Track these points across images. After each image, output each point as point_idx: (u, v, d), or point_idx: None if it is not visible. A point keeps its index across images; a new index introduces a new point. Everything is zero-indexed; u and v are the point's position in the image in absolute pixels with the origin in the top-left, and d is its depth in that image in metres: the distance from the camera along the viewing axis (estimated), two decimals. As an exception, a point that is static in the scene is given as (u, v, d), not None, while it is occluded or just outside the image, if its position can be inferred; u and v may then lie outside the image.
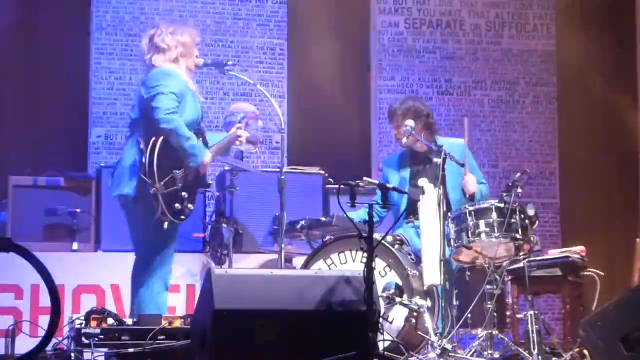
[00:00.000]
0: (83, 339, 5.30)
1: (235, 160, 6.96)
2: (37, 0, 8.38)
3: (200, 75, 7.87)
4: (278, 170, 6.36)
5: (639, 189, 9.07)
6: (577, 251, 6.80)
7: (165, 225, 5.83)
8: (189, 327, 5.32)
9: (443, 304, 6.08)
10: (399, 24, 9.00)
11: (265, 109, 7.93)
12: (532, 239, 6.05)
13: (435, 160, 6.26)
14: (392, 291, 6.00)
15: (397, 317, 6.00)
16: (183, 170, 5.88)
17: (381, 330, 5.08)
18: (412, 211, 6.43)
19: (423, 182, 6.19)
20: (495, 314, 6.02)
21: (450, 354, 5.72)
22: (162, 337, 5.28)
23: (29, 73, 8.33)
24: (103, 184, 7.35)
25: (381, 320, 5.14)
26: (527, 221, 6.04)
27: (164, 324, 5.36)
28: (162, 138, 5.81)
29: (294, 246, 7.01)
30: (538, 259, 6.69)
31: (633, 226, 8.68)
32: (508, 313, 6.46)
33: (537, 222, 6.14)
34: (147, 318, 5.45)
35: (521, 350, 5.92)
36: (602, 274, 6.62)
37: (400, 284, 6.05)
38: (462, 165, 6.36)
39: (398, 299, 5.97)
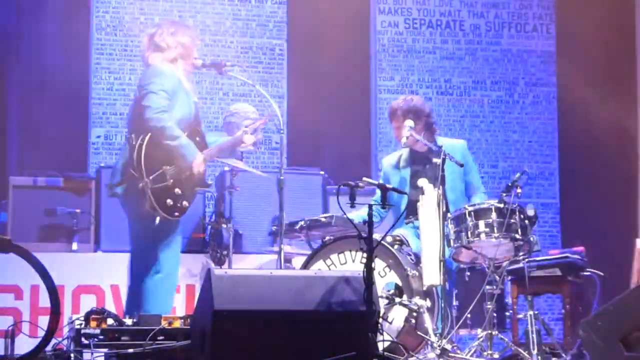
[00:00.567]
0: (82, 339, 5.30)
1: (234, 160, 6.97)
2: (37, 1, 8.38)
3: (200, 76, 7.88)
4: (277, 170, 6.36)
5: (638, 189, 9.06)
6: (576, 251, 6.80)
7: (157, 220, 5.85)
8: (189, 327, 5.32)
9: (442, 304, 6.08)
10: (398, 24, 9.00)
11: (265, 109, 7.92)
12: (531, 239, 6.05)
13: (434, 160, 6.26)
14: (392, 291, 6.00)
15: (396, 317, 6.00)
16: (175, 166, 5.89)
17: (380, 331, 5.08)
18: (412, 211, 6.43)
19: (422, 182, 6.19)
20: (495, 314, 6.02)
21: (450, 354, 5.72)
22: (162, 338, 5.28)
23: (28, 73, 8.33)
24: (102, 185, 7.35)
25: (380, 320, 5.14)
26: (526, 221, 6.04)
27: (164, 324, 5.36)
28: (149, 134, 5.85)
29: (293, 246, 7.01)
30: (537, 259, 6.69)
31: (632, 226, 8.69)
32: (507, 313, 6.45)
33: (537, 222, 6.14)
34: (146, 318, 5.45)
35: (521, 350, 5.92)
36: (602, 274, 6.63)
37: (400, 284, 6.05)
38: (461, 166, 6.36)
39: (397, 299, 5.97)
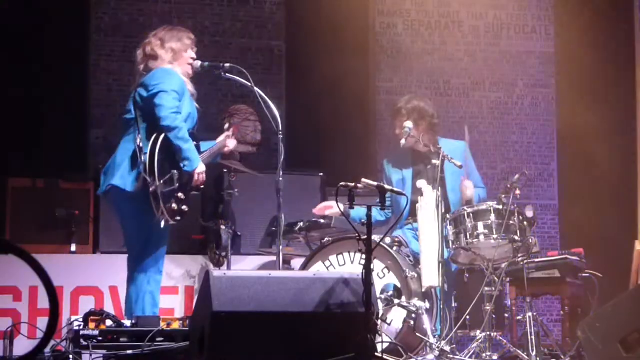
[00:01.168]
0: (81, 340, 5.31)
1: (233, 162, 6.97)
2: (37, 2, 8.38)
3: (199, 77, 7.84)
4: (276, 171, 6.35)
5: (637, 191, 9.06)
6: (575, 253, 6.80)
7: (162, 224, 5.84)
8: (187, 328, 5.32)
9: (441, 306, 6.08)
10: (397, 25, 9.00)
11: (264, 111, 7.91)
12: (530, 240, 6.05)
13: (433, 161, 6.26)
14: (391, 293, 6.00)
15: (395, 318, 6.00)
16: (179, 170, 5.89)
17: (379, 332, 5.09)
18: (411, 213, 6.43)
19: (421, 183, 6.19)
20: (494, 316, 6.02)
21: (449, 356, 5.73)
22: (161, 339, 5.29)
23: (28, 74, 8.32)
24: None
25: (379, 321, 5.15)
26: (525, 223, 6.05)
27: (163, 325, 5.36)
28: (162, 136, 5.83)
29: (292, 248, 7.01)
30: (536, 260, 6.70)
31: (631, 227, 8.68)
32: (506, 315, 6.46)
33: (536, 224, 6.15)
34: (145, 320, 5.45)
35: (519, 351, 5.93)
36: (601, 275, 6.63)
37: (399, 285, 6.06)
38: (460, 167, 6.36)
39: (396, 301, 5.98)
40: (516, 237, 5.98)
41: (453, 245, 6.07)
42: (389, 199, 6.28)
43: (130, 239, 6.04)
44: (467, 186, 6.51)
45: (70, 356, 5.35)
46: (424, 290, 6.01)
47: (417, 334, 5.90)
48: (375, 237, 5.13)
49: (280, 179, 6.10)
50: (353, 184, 5.16)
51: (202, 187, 6.11)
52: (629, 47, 9.28)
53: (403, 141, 6.53)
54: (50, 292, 5.06)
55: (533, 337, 5.97)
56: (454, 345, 5.94)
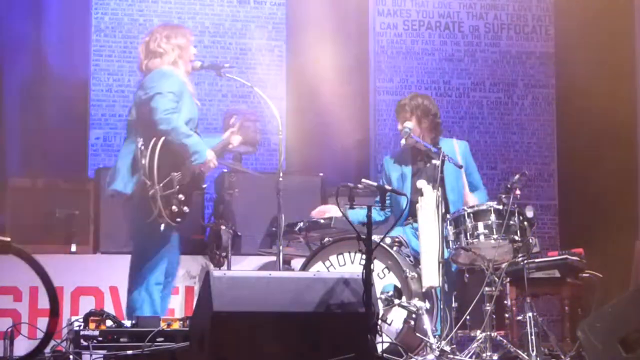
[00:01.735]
0: (81, 340, 5.31)
1: (233, 162, 6.97)
2: (36, 3, 8.38)
3: (199, 77, 7.87)
4: (276, 171, 6.36)
5: (637, 191, 9.07)
6: (575, 253, 6.80)
7: (162, 227, 5.84)
8: (188, 329, 5.32)
9: (441, 306, 6.08)
10: (397, 26, 9.00)
11: (264, 111, 7.92)
12: (530, 240, 6.05)
13: (433, 162, 6.26)
14: (391, 293, 6.00)
15: (395, 318, 6.00)
16: (180, 172, 5.89)
17: (380, 332, 5.08)
18: (411, 213, 6.43)
19: (421, 183, 6.19)
20: (494, 316, 6.02)
21: (449, 356, 5.73)
22: (161, 339, 5.29)
23: (27, 75, 8.32)
24: (102, 186, 7.34)
25: (380, 322, 5.15)
26: (525, 223, 6.04)
27: (163, 325, 5.36)
28: (162, 139, 5.83)
29: (292, 248, 7.01)
30: (536, 260, 6.70)
31: (631, 227, 8.68)
32: (506, 315, 6.46)
33: (536, 224, 6.14)
34: (145, 320, 5.45)
35: (520, 352, 5.92)
36: (601, 275, 6.63)
37: (399, 285, 6.06)
38: (460, 167, 6.36)
39: (397, 301, 5.97)
40: (516, 237, 5.97)
41: (453, 245, 6.07)
42: (389, 198, 6.28)
43: (131, 241, 6.08)
44: (467, 202, 6.53)
45: (71, 356, 5.35)
46: (424, 290, 6.01)
47: (418, 334, 5.90)
48: (375, 237, 5.13)
49: (280, 179, 6.10)
50: (353, 184, 5.16)
51: (205, 186, 6.12)
52: (630, 47, 9.29)
53: (403, 141, 6.54)
54: (50, 293, 5.07)
55: (533, 337, 5.96)
56: (454, 346, 5.94)
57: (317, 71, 8.70)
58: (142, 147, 5.82)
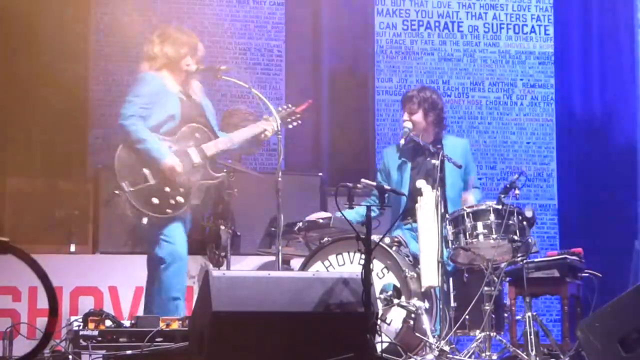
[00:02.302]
0: (81, 340, 5.31)
1: (232, 162, 6.96)
2: (36, 2, 8.37)
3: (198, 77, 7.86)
4: (275, 171, 6.35)
5: (636, 191, 9.06)
6: (574, 252, 6.80)
7: (144, 220, 5.89)
8: (187, 329, 5.32)
9: (441, 306, 6.08)
10: (396, 26, 9.00)
11: (263, 111, 7.92)
12: (529, 240, 6.05)
13: (433, 161, 6.26)
14: (390, 292, 6.00)
15: (394, 318, 6.00)
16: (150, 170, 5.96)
17: (379, 332, 5.08)
18: (410, 212, 6.43)
19: (420, 183, 6.19)
20: (493, 316, 6.02)
21: (448, 356, 5.73)
22: (160, 339, 5.28)
23: (27, 74, 8.31)
24: (101, 186, 7.34)
25: (379, 321, 5.14)
26: (524, 223, 6.04)
27: (162, 325, 5.36)
28: (126, 140, 6.00)
29: (291, 248, 7.00)
30: (536, 260, 6.70)
31: (630, 227, 8.68)
32: (506, 314, 6.46)
33: (535, 224, 6.15)
34: (144, 320, 5.45)
35: (519, 351, 5.93)
36: (600, 275, 6.63)
37: (398, 285, 6.06)
38: (460, 167, 6.36)
39: (396, 301, 5.97)
40: (515, 237, 5.97)
41: (452, 245, 6.07)
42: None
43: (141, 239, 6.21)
44: (466, 199, 6.52)
45: (70, 356, 5.35)
46: (423, 290, 6.01)
47: (417, 334, 5.90)
48: (375, 237, 5.13)
49: (280, 179, 6.10)
50: (352, 184, 5.16)
51: (219, 175, 6.13)
52: (629, 47, 9.28)
53: (402, 141, 6.53)
54: (49, 293, 5.06)
55: (532, 337, 5.97)
56: (454, 345, 5.95)
57: (316, 71, 8.70)
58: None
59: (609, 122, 9.11)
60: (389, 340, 5.73)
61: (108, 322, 5.39)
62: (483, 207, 6.07)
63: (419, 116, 6.65)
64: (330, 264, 6.25)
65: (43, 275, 5.08)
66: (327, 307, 4.85)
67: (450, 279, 6.30)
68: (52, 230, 7.33)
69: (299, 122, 6.45)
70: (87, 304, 6.91)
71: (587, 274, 6.70)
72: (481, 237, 5.99)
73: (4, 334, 5.66)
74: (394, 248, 6.20)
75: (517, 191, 6.02)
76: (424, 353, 5.86)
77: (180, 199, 5.94)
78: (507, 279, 6.53)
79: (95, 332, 5.32)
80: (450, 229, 6.08)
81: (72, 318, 5.56)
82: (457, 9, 9.10)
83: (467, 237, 6.00)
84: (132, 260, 6.99)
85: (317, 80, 8.69)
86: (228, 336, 4.68)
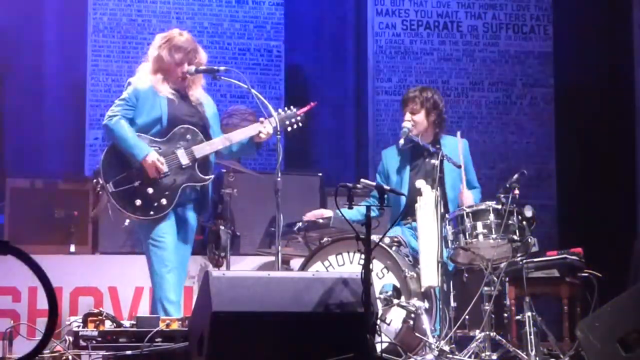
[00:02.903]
0: (80, 341, 5.30)
1: (232, 162, 6.96)
2: (35, 3, 8.38)
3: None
4: (274, 172, 6.35)
5: (636, 190, 9.07)
6: (574, 252, 6.80)
7: (126, 222, 5.90)
8: (187, 329, 5.32)
9: (440, 306, 6.08)
10: (395, 25, 9.00)
11: (263, 111, 7.91)
12: (529, 240, 6.05)
13: (432, 161, 6.26)
14: (390, 293, 6.00)
15: (394, 318, 6.00)
16: (135, 168, 5.94)
17: (379, 332, 5.08)
18: (410, 212, 6.43)
19: (420, 183, 6.19)
20: (493, 315, 6.02)
21: (448, 356, 5.73)
22: (160, 340, 5.28)
23: (26, 75, 8.32)
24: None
25: (379, 321, 5.14)
26: (524, 222, 6.04)
27: (162, 326, 5.36)
28: (110, 140, 6.02)
29: (291, 248, 7.01)
30: (535, 260, 6.69)
31: (630, 227, 8.69)
32: (505, 314, 6.46)
33: (535, 224, 6.14)
34: (144, 320, 5.44)
35: (519, 351, 5.92)
36: (600, 275, 6.62)
37: (398, 285, 6.05)
38: (459, 167, 6.36)
39: (395, 301, 5.97)
40: (515, 237, 5.97)
41: (452, 245, 6.07)
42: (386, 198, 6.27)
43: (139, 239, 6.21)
44: (466, 197, 6.51)
45: (70, 357, 5.34)
46: (423, 290, 6.00)
47: (417, 334, 5.90)
48: (374, 237, 5.13)
49: (279, 179, 6.09)
50: (352, 184, 5.16)
51: (207, 178, 6.10)
52: (628, 47, 9.29)
53: (401, 141, 6.53)
54: (49, 293, 5.06)
55: (532, 337, 5.96)
56: (453, 345, 5.94)
57: (315, 71, 8.70)
58: None
59: (609, 121, 9.12)
60: (389, 340, 5.73)
61: (108, 323, 5.38)
62: (483, 207, 6.07)
63: (420, 116, 6.63)
64: (330, 264, 6.25)
65: (43, 275, 5.08)
66: (327, 307, 4.85)
67: (450, 279, 6.30)
68: (52, 230, 7.33)
69: (300, 124, 6.37)
70: (86, 304, 6.91)
71: (587, 274, 6.69)
72: (481, 237, 5.98)
73: (4, 335, 5.66)
74: (393, 248, 6.20)
75: (516, 191, 6.02)
76: (423, 353, 5.86)
77: (164, 201, 5.90)
78: (507, 278, 6.52)
79: (95, 333, 5.31)
80: (450, 229, 6.07)
81: (72, 318, 5.55)
82: (456, 9, 9.11)
83: (467, 237, 6.00)
84: (132, 261, 6.99)
85: (317, 81, 8.69)
86: (228, 336, 4.68)
